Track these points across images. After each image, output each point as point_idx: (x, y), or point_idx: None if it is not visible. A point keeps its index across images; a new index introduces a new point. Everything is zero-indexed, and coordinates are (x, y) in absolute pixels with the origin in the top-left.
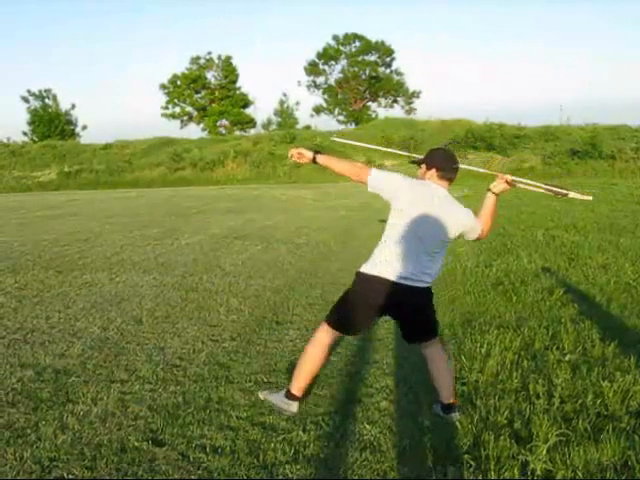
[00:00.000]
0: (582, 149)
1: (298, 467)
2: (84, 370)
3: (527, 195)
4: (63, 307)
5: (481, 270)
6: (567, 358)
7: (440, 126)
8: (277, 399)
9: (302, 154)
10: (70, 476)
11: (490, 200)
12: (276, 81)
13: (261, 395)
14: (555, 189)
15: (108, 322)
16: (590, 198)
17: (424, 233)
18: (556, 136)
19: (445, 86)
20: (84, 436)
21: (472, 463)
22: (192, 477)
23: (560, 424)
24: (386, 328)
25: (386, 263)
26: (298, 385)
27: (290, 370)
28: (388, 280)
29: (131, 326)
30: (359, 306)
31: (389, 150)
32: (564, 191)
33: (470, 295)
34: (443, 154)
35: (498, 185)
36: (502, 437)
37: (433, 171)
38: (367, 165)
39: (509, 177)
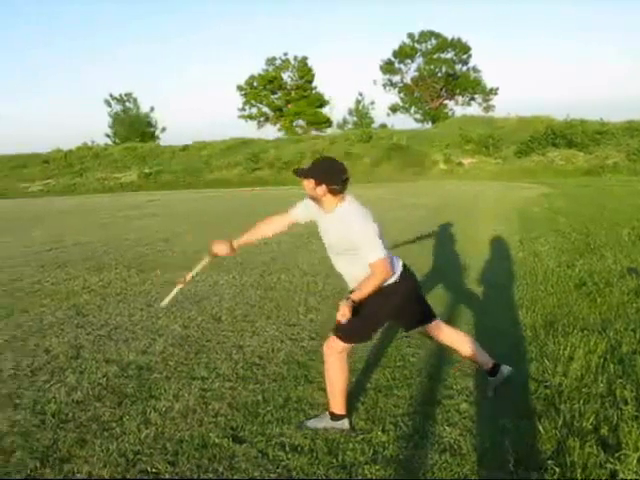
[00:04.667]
0: None
1: (377, 468)
2: (166, 367)
3: (611, 192)
4: (145, 305)
5: (563, 270)
6: None
7: (519, 123)
8: (326, 424)
9: (345, 313)
10: (153, 470)
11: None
12: (351, 80)
13: (309, 424)
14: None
15: (189, 320)
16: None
17: None
18: None
19: (524, 82)
20: (166, 431)
21: (556, 469)
22: (271, 475)
23: None
24: (466, 330)
25: None
26: (337, 403)
27: (368, 370)
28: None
29: (211, 324)
30: (379, 317)
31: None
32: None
33: (552, 296)
34: (331, 166)
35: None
36: (588, 444)
37: (323, 187)
38: (379, 262)
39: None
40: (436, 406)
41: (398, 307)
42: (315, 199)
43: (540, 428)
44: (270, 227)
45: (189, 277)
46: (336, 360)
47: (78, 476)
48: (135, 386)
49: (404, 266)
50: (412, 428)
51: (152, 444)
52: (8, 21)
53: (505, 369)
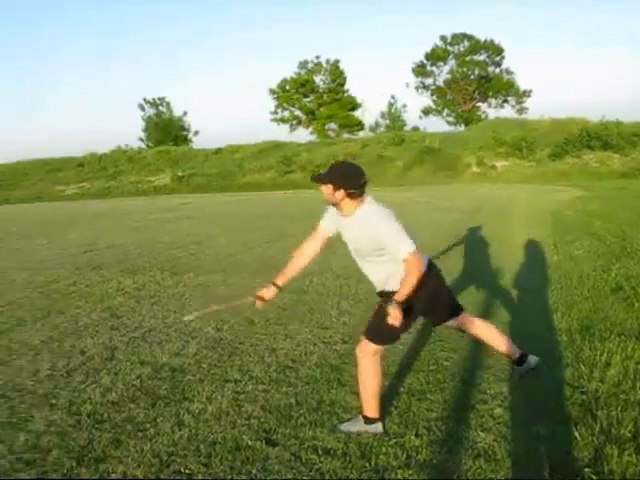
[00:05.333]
0: None
1: (410, 472)
2: (199, 369)
3: None
4: (179, 307)
5: (599, 274)
6: None
7: (553, 125)
8: (359, 427)
9: (397, 315)
10: (187, 471)
11: None
12: (383, 83)
13: (343, 428)
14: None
15: (222, 323)
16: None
17: None
18: None
19: (558, 84)
20: (200, 433)
21: (593, 478)
22: (304, 478)
23: None
24: None
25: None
26: (370, 407)
27: (401, 374)
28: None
29: (244, 327)
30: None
31: None
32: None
33: (588, 300)
34: (349, 170)
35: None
36: (626, 452)
37: (342, 192)
38: (411, 256)
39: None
40: (470, 411)
41: (427, 302)
42: (334, 204)
43: (576, 435)
44: (306, 254)
45: (224, 307)
46: (369, 363)
47: (113, 476)
48: (169, 388)
49: (429, 261)
50: (445, 433)
51: (186, 445)
52: (42, 24)
53: (532, 359)
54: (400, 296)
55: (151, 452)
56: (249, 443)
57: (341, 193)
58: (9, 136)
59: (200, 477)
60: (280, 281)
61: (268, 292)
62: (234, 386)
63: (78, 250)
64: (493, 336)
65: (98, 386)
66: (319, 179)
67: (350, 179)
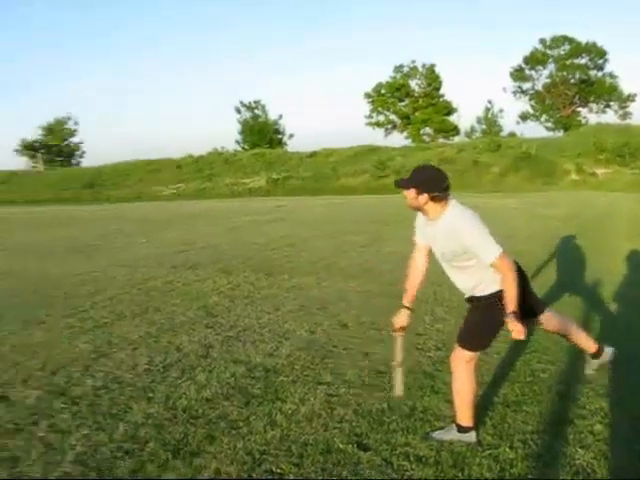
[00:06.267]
0: None
1: None
2: (292, 370)
3: None
4: (272, 309)
5: None
6: None
7: None
8: (452, 436)
9: (519, 328)
10: (278, 470)
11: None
12: (480, 88)
13: (435, 436)
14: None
15: (315, 325)
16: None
17: None
18: None
19: None
20: (291, 434)
21: None
22: None
23: None
24: None
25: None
26: (464, 416)
27: (496, 384)
28: None
29: (337, 330)
30: (499, 320)
31: None
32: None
33: None
34: (431, 174)
35: None
36: None
37: (425, 196)
38: (499, 260)
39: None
40: (567, 426)
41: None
42: (418, 208)
43: None
44: (418, 269)
45: (400, 359)
46: (464, 370)
47: (205, 475)
48: (262, 387)
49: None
50: (542, 447)
51: (278, 445)
52: (142, 27)
53: (609, 350)
54: (511, 305)
55: (244, 450)
56: (340, 446)
57: (424, 197)
58: (113, 138)
59: (291, 477)
60: (407, 301)
61: (401, 318)
62: (326, 389)
63: (175, 249)
64: (572, 330)
65: (193, 382)
66: (402, 184)
67: (432, 182)
